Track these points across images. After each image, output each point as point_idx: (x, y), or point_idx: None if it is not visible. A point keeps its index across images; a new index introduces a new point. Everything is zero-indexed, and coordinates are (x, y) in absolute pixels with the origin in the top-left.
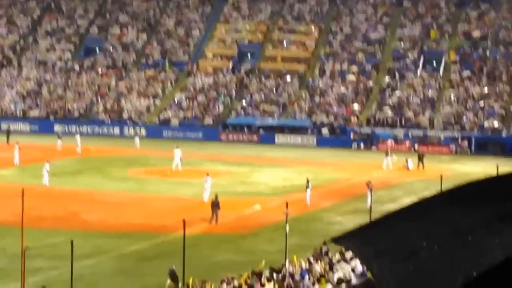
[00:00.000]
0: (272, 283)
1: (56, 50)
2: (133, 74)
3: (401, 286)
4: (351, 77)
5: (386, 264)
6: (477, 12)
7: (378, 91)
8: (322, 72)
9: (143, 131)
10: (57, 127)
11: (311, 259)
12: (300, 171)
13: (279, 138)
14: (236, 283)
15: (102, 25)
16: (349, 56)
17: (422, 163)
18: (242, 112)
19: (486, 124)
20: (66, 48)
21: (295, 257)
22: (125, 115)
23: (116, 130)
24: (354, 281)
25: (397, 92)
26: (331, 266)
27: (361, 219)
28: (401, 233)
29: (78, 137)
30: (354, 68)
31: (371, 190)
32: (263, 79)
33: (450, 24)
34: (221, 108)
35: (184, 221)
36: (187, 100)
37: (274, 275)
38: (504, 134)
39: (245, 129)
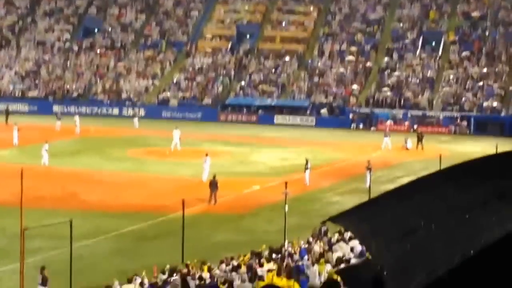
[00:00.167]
0: (271, 263)
1: (55, 31)
2: (132, 54)
3: (399, 265)
4: (350, 58)
5: (383, 243)
6: None
7: (377, 72)
8: (321, 53)
9: (142, 112)
10: (56, 108)
11: (310, 239)
12: (299, 151)
13: (278, 118)
14: (235, 263)
15: (101, 6)
16: (348, 37)
17: (421, 143)
18: (241, 93)
19: (485, 104)
20: (64, 28)
21: (295, 241)
22: (124, 96)
23: (115, 111)
24: (353, 260)
25: (396, 73)
26: (330, 246)
27: (360, 199)
28: (398, 212)
29: (77, 117)
30: (353, 48)
31: (370, 170)
32: (262, 59)
33: (449, 4)
34: (220, 88)
35: (183, 201)
36: (186, 81)
37: (274, 255)
38: (503, 114)
39: (244, 109)
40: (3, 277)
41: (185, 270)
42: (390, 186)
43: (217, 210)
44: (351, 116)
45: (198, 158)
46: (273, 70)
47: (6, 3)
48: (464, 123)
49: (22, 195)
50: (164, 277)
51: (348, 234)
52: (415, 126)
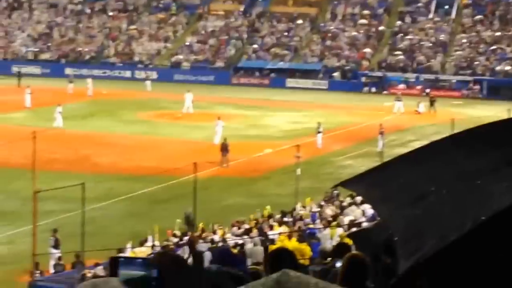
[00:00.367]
0: (283, 226)
1: None
2: (144, 17)
3: (410, 230)
4: (362, 21)
5: (394, 208)
6: None
7: (390, 35)
8: (334, 16)
9: (154, 74)
10: (68, 70)
11: (322, 203)
12: (311, 115)
13: (290, 82)
14: (246, 226)
15: None
16: (360, 0)
17: (434, 107)
18: (253, 56)
19: (498, 68)
20: None
21: (307, 200)
22: (136, 58)
23: (128, 73)
24: (364, 224)
25: (409, 36)
26: (342, 210)
27: (372, 163)
28: (409, 177)
29: (89, 80)
30: (366, 11)
31: (382, 134)
32: (274, 22)
33: None
34: (233, 51)
35: (195, 164)
36: (198, 44)
37: (285, 218)
38: None
39: (256, 72)
40: (15, 239)
41: (196, 234)
42: (402, 150)
43: (229, 174)
44: (363, 79)
45: (210, 121)
46: (286, 33)
47: None
48: (477, 87)
49: (34, 157)
50: (176, 240)
51: (359, 198)
52: (428, 90)
